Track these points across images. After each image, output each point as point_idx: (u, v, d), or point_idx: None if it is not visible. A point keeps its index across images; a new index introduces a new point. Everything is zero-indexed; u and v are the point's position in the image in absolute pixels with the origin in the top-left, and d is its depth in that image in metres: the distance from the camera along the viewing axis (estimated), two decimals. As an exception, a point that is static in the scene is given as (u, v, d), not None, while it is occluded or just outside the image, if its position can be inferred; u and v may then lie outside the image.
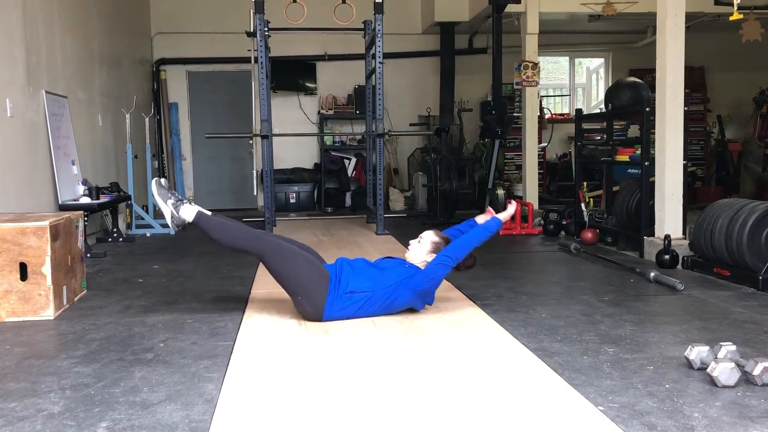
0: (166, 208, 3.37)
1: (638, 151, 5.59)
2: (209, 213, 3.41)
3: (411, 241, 3.54)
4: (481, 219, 3.61)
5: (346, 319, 3.32)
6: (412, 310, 3.49)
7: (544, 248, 5.98)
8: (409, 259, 3.47)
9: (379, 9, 6.52)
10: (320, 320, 3.28)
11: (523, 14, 7.90)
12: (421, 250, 3.46)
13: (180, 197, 3.42)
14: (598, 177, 7.67)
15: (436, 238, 3.49)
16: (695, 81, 10.29)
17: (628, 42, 10.35)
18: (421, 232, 3.57)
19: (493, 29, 7.74)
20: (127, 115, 7.26)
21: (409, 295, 3.34)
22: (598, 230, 6.05)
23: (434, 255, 3.41)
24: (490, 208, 3.65)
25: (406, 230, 7.04)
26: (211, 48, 9.72)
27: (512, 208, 3.60)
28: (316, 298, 3.24)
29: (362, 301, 3.28)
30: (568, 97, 11.29)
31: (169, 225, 3.40)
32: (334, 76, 10.05)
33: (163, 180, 3.47)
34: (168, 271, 4.91)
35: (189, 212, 3.36)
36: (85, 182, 6.05)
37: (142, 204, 7.72)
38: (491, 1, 7.48)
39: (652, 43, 6.22)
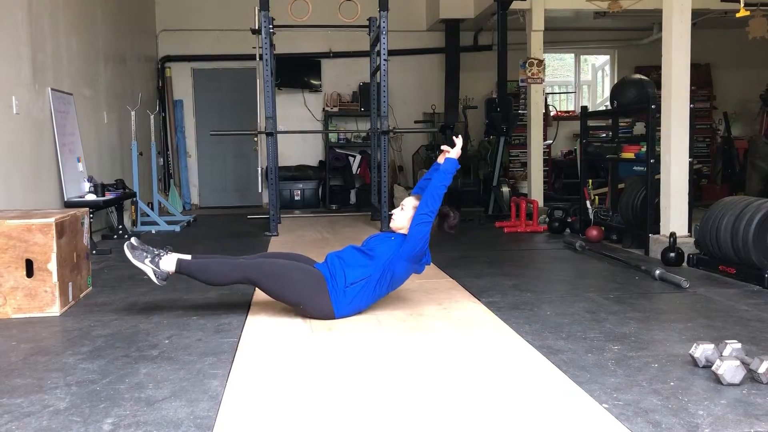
0: (146, 268, 3.32)
1: (644, 149, 5.58)
2: (188, 257, 3.37)
3: (394, 210, 3.55)
4: (442, 159, 3.55)
5: (359, 311, 3.34)
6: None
7: (549, 246, 5.97)
8: (395, 227, 3.48)
9: (384, 6, 6.52)
10: (334, 319, 3.30)
11: (528, 11, 7.89)
12: (405, 216, 3.45)
13: (155, 251, 3.35)
14: (604, 174, 7.65)
15: (416, 202, 3.47)
16: (701, 78, 10.24)
17: (633, 39, 10.32)
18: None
19: (498, 26, 7.72)
20: (132, 113, 7.27)
21: (405, 264, 3.37)
22: (603, 228, 6.04)
23: None
24: (444, 147, 3.56)
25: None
26: (216, 45, 9.73)
27: (459, 142, 3.52)
28: (321, 303, 3.26)
29: (365, 288, 3.30)
30: (573, 94, 11.27)
31: (155, 281, 3.33)
32: (338, 73, 10.05)
33: (134, 240, 3.41)
34: (173, 268, 4.91)
35: (169, 264, 3.32)
36: (90, 179, 6.07)
37: (148, 201, 7.74)
38: (496, -2, 7.46)
39: (657, 40, 6.20)
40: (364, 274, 3.30)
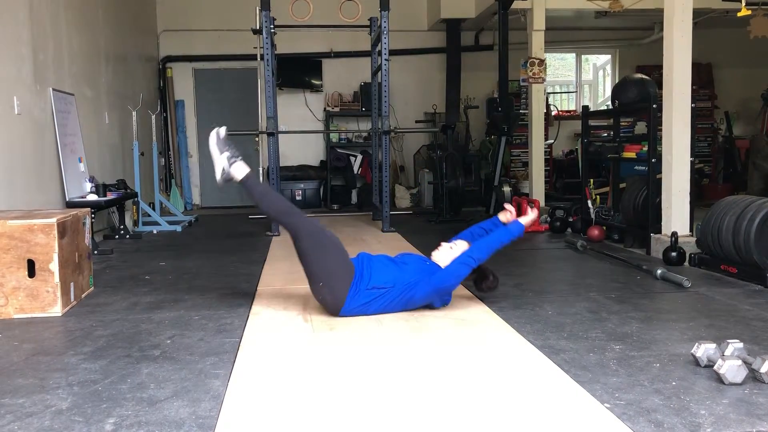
0: (220, 160, 3.39)
1: (645, 148, 5.58)
2: (259, 178, 3.43)
3: (443, 243, 3.58)
4: (503, 218, 3.65)
5: (363, 314, 3.33)
6: (419, 307, 3.51)
7: (550, 245, 5.97)
8: (436, 258, 3.50)
9: (385, 6, 6.52)
10: (337, 312, 3.29)
11: (529, 11, 7.89)
12: (451, 254, 3.48)
13: (236, 154, 3.41)
14: (605, 174, 7.65)
15: (466, 247, 3.53)
16: (703, 77, 10.24)
17: (634, 38, 10.31)
18: (433, 238, 3.62)
19: (499, 26, 7.73)
20: (134, 113, 7.28)
21: (430, 291, 3.37)
22: (604, 227, 6.03)
23: None
24: (508, 206, 3.67)
25: (412, 227, 7.05)
26: (218, 45, 9.74)
27: (534, 214, 3.64)
28: (339, 290, 3.26)
29: (382, 297, 3.30)
30: (574, 93, 11.26)
31: (217, 177, 3.42)
32: (339, 73, 10.05)
33: (222, 131, 3.46)
34: (175, 268, 4.92)
35: (240, 171, 3.39)
36: (92, 179, 6.07)
37: (149, 201, 7.75)
38: (497, -3, 7.46)
39: (659, 40, 6.19)
40: (388, 282, 3.30)
